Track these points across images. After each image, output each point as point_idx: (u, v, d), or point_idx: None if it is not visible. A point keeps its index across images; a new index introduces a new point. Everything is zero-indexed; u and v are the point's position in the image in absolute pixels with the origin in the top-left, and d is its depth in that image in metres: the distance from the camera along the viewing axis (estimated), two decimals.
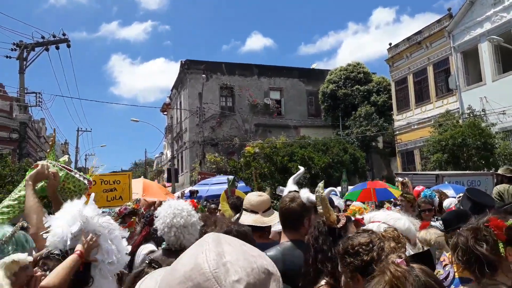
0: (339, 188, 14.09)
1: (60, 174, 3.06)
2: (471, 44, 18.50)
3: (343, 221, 2.03)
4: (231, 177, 12.69)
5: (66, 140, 41.66)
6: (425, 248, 2.30)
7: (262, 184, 13.14)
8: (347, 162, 19.41)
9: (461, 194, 6.66)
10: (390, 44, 23.57)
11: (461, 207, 3.56)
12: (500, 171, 6.62)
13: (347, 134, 24.13)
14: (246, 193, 9.33)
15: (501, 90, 16.55)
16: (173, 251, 2.65)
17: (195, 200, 10.86)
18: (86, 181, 3.30)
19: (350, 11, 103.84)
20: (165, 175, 30.05)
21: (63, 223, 1.90)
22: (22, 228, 2.05)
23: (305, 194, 2.43)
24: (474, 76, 18.59)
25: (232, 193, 6.26)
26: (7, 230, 2.02)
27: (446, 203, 5.58)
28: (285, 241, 2.40)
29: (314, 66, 33.50)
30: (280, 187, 4.01)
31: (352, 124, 24.27)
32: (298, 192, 2.60)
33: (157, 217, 2.88)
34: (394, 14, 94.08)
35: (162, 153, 43.35)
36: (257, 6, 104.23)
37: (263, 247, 2.63)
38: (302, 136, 22.67)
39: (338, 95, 25.66)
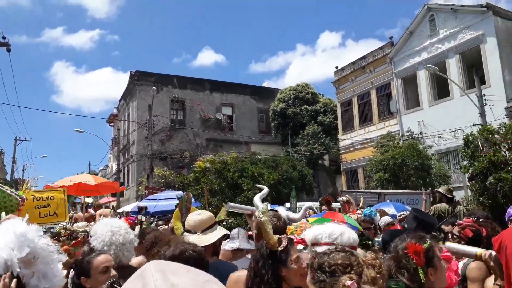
0: (288, 204, 14.36)
1: None
2: (410, 71, 19.94)
3: (284, 243, 1.98)
4: (180, 193, 12.50)
5: (1, 149, 38.74)
6: None
7: (211, 200, 13.07)
8: (296, 179, 19.85)
9: (402, 213, 7.11)
10: (336, 67, 24.75)
11: (405, 225, 3.81)
12: (441, 190, 7.04)
13: (295, 151, 24.76)
14: (197, 208, 9.24)
15: (436, 114, 17.93)
16: (115, 268, 2.66)
17: (140, 217, 10.58)
18: (18, 198, 3.15)
19: (299, 33, 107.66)
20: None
21: (7, 246, 1.76)
22: None
23: (284, 212, 2.56)
24: (413, 100, 19.98)
25: (188, 210, 6.15)
26: None
27: (381, 221, 5.92)
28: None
29: (265, 84, 34.21)
30: (230, 203, 4.01)
31: (300, 142, 24.97)
32: (276, 211, 2.72)
33: (91, 236, 2.91)
34: (340, 39, 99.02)
35: (107, 165, 41.60)
36: (210, 22, 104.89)
37: (217, 266, 2.66)
38: (253, 152, 22.92)
39: (288, 114, 26.36)
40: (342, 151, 23.84)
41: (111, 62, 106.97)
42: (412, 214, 3.86)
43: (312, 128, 24.72)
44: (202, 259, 2.34)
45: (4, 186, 3.23)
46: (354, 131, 23.01)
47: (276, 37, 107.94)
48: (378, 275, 1.54)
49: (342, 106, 24.21)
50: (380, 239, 4.30)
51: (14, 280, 1.70)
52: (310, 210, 7.86)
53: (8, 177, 33.17)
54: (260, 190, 4.18)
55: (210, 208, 9.34)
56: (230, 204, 3.85)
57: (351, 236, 2.00)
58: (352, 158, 22.89)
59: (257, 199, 3.23)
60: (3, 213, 3.46)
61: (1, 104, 35.64)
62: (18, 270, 1.74)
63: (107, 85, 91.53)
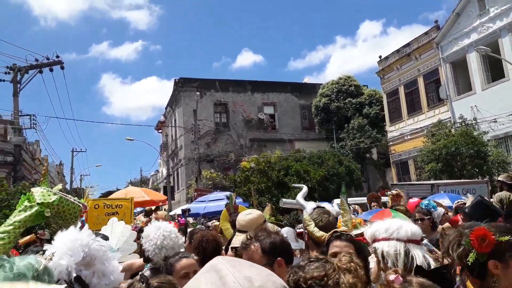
0: (337, 200, 14.12)
1: (54, 198, 3.10)
2: (460, 54, 18.88)
3: (327, 237, 2.10)
4: (227, 193, 12.70)
5: (61, 161, 41.47)
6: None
7: (261, 199, 13.15)
8: (343, 174, 19.46)
9: (458, 201, 6.73)
10: (380, 56, 23.95)
11: (466, 211, 3.64)
12: (500, 178, 6.71)
13: (341, 146, 24.28)
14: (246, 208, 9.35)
15: (490, 98, 16.84)
16: (160, 270, 2.80)
17: (186, 219, 10.91)
18: (81, 205, 3.35)
19: (338, 25, 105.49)
20: (161, 193, 29.90)
21: (65, 253, 1.91)
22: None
23: (331, 208, 2.58)
24: (464, 85, 18.91)
25: (235, 209, 6.22)
26: (34, 260, 2.02)
27: (438, 213, 5.62)
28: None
29: (306, 80, 33.89)
30: (283, 199, 4.03)
31: (346, 136, 24.45)
32: (322, 207, 2.74)
33: (143, 237, 3.05)
34: (381, 27, 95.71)
35: (157, 171, 43.18)
36: (246, 23, 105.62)
37: None
38: (297, 150, 22.74)
39: (331, 108, 25.91)
40: (390, 143, 23.05)
41: (155, 71, 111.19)
42: (478, 200, 3.68)
43: (357, 121, 24.12)
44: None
45: (67, 195, 3.44)
46: (403, 121, 22.17)
47: (313, 31, 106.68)
48: (356, 279, 1.46)
49: (388, 96, 23.40)
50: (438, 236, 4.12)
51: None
52: (357, 206, 7.68)
53: (68, 187, 35.41)
54: (300, 189, 4.16)
55: (259, 208, 9.40)
56: (284, 200, 3.90)
57: (409, 229, 1.95)
58: (401, 150, 22.07)
59: (300, 199, 3.23)
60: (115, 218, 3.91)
61: (58, 119, 38.07)
62: (75, 275, 1.90)
63: (152, 93, 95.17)
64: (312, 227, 2.54)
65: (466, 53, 18.46)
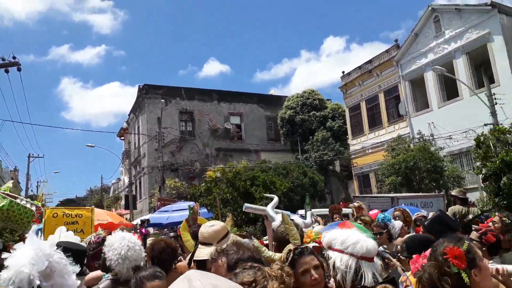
0: (302, 211, 14.31)
1: (4, 203, 2.98)
2: (418, 73, 19.86)
3: (289, 258, 2.08)
4: (192, 203, 12.55)
5: (15, 166, 39.37)
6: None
7: (223, 210, 13.09)
8: (307, 186, 19.79)
9: (417, 213, 7.03)
10: (343, 72, 24.75)
11: (426, 225, 3.79)
12: (454, 193, 7.03)
13: (306, 158, 24.71)
14: (208, 219, 9.27)
15: (446, 116, 17.80)
16: (121, 282, 2.81)
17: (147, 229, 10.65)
18: (34, 208, 3.23)
19: (303, 40, 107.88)
20: (123, 202, 29.04)
21: (27, 262, 1.86)
22: None
23: (298, 220, 2.57)
24: (422, 102, 19.87)
25: (194, 221, 6.18)
26: None
27: (395, 227, 5.84)
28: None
29: (271, 92, 34.36)
30: (246, 204, 4.04)
31: (310, 148, 24.92)
32: (292, 220, 2.73)
33: (106, 246, 3.00)
34: (344, 43, 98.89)
35: (119, 179, 41.94)
36: (213, 33, 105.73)
37: None
38: (263, 160, 22.93)
39: (296, 121, 26.38)
40: (353, 156, 23.73)
41: (118, 77, 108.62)
42: (437, 215, 3.85)
43: (321, 134, 24.68)
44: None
45: (19, 197, 3.31)
46: (364, 135, 22.91)
47: (280, 44, 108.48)
48: (282, 285, 1.57)
49: (350, 110, 24.16)
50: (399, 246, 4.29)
51: None
52: (319, 217, 7.81)
53: (23, 194, 33.64)
54: (271, 199, 4.21)
55: (223, 219, 9.37)
56: (246, 205, 3.88)
57: (365, 245, 1.94)
58: (363, 163, 22.77)
59: (269, 209, 3.27)
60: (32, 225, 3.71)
61: (13, 123, 36.27)
62: (38, 283, 1.84)
63: (115, 99, 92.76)
64: (268, 253, 2.42)
65: (424, 72, 19.44)
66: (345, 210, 10.12)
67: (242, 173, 17.49)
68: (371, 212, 6.94)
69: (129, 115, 33.45)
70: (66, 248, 2.66)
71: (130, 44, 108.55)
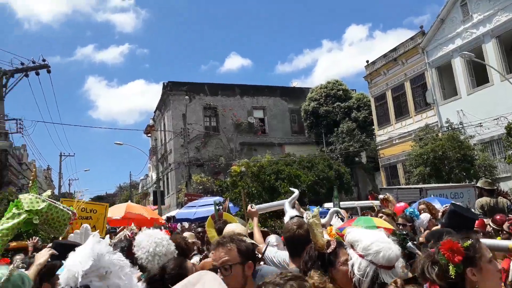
0: (328, 204, 14.27)
1: (43, 206, 3.11)
2: (445, 59, 19.24)
3: (332, 246, 2.05)
4: (217, 198, 12.70)
5: (48, 165, 40.92)
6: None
7: (251, 204, 13.18)
8: (333, 178, 19.63)
9: (446, 206, 6.89)
10: (367, 61, 24.26)
11: (443, 221, 3.73)
12: (479, 184, 6.84)
13: (331, 150, 24.48)
14: (235, 214, 9.34)
15: (476, 103, 17.19)
16: (156, 279, 2.83)
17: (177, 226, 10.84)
18: (70, 212, 3.37)
19: (324, 29, 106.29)
20: (151, 198, 29.78)
21: (77, 261, 1.95)
22: (18, 267, 2.06)
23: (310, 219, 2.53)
24: (450, 90, 19.27)
25: (220, 217, 6.26)
26: (2, 272, 2.02)
27: (420, 219, 5.74)
28: (294, 267, 2.48)
29: (294, 84, 34.13)
30: (256, 206, 4.03)
31: (335, 140, 24.66)
32: (301, 217, 2.72)
33: (135, 246, 3.06)
34: (367, 31, 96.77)
35: (147, 175, 42.87)
36: (233, 27, 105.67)
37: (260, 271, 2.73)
38: (287, 154, 22.88)
39: (320, 112, 26.13)
40: (379, 147, 23.32)
41: (142, 75, 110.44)
42: (451, 209, 3.77)
43: (346, 125, 24.36)
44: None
45: (56, 202, 3.47)
46: (391, 125, 22.46)
47: (300, 35, 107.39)
48: None
49: (376, 100, 23.70)
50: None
51: None
52: (345, 213, 7.76)
53: (56, 191, 34.95)
54: (292, 193, 4.19)
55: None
56: (257, 206, 3.86)
57: (387, 255, 1.91)
58: (390, 154, 22.35)
59: (287, 205, 3.27)
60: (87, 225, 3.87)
61: (45, 123, 37.58)
62: (86, 282, 1.92)
63: (140, 97, 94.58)
64: (318, 233, 2.49)
65: (451, 58, 18.82)
66: (375, 202, 9.98)
67: (267, 167, 17.55)
68: (397, 205, 6.85)
69: (154, 112, 34.06)
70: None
71: (153, 42, 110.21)
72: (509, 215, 4.70)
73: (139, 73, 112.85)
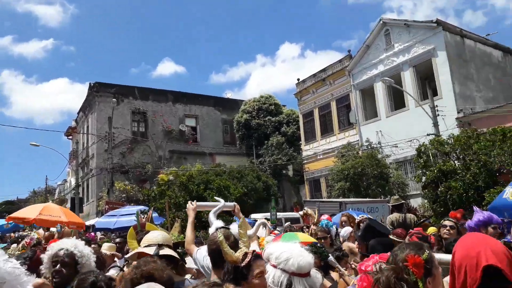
0: (255, 215, 14.39)
1: None
2: (368, 83, 20.68)
3: (246, 260, 2.07)
4: (142, 207, 12.20)
5: None
6: None
7: (175, 215, 12.86)
8: (260, 190, 19.94)
9: (361, 216, 7.31)
10: (298, 79, 25.29)
11: (358, 234, 3.94)
12: (390, 203, 7.36)
13: (260, 162, 24.90)
14: (159, 224, 9.03)
15: (393, 125, 18.67)
16: None
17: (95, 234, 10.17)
18: None
19: (259, 44, 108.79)
20: (69, 205, 27.72)
21: None
22: None
23: (236, 229, 2.51)
24: (371, 112, 20.71)
25: (142, 227, 5.99)
26: None
27: (342, 232, 6.08)
28: (215, 278, 2.43)
29: (228, 95, 34.36)
30: (198, 202, 3.92)
31: (265, 152, 25.16)
32: (227, 228, 2.68)
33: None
34: (299, 50, 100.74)
35: (65, 180, 39.93)
36: (169, 32, 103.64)
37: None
38: (217, 164, 22.82)
39: (252, 125, 26.55)
40: (305, 161, 24.23)
41: (66, 73, 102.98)
42: (367, 224, 4.01)
43: (276, 139, 25.00)
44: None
45: None
46: (316, 141, 23.49)
47: (236, 48, 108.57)
48: None
49: (304, 117, 24.69)
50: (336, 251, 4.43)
51: None
52: (269, 226, 7.90)
53: None
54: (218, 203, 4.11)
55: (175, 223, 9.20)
56: (198, 203, 3.76)
57: (296, 261, 1.96)
58: (314, 168, 23.32)
59: (211, 215, 3.22)
60: None
61: None
62: None
63: (62, 96, 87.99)
64: (228, 249, 2.52)
65: (374, 82, 20.28)
66: (296, 215, 10.29)
67: (196, 176, 17.32)
68: (322, 217, 7.14)
69: (78, 113, 32.04)
70: None
71: (80, 39, 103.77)
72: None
73: (62, 71, 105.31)
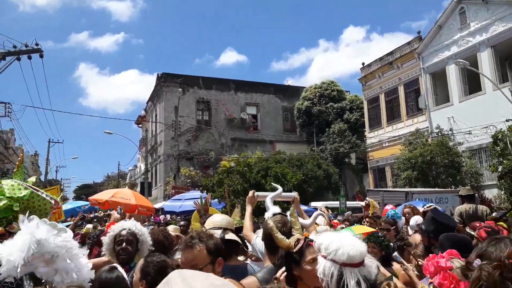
0: (315, 203, 14.24)
1: (25, 193, 3.03)
2: (440, 66, 19.30)
3: (299, 246, 2.06)
4: (204, 194, 12.59)
5: (36, 151, 40.43)
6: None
7: (234, 201, 13.11)
8: (321, 178, 19.65)
9: (428, 205, 6.88)
10: (363, 63, 24.27)
11: (423, 227, 3.69)
12: (461, 193, 6.86)
13: (321, 150, 24.51)
14: (220, 210, 9.25)
15: (467, 110, 17.29)
16: None
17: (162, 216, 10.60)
18: (52, 201, 3.28)
19: (321, 29, 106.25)
20: (138, 189, 29.52)
21: (15, 250, 1.84)
22: None
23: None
24: (442, 96, 19.35)
25: (206, 212, 6.19)
26: None
27: (412, 221, 5.75)
28: (269, 264, 2.47)
29: (289, 82, 34.09)
30: (257, 193, 3.93)
31: (326, 140, 24.69)
32: (285, 215, 2.66)
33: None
34: (365, 33, 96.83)
35: (135, 166, 42.60)
36: (231, 22, 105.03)
37: (233, 270, 2.69)
38: (277, 151, 22.84)
39: (313, 112, 26.13)
40: (369, 149, 23.38)
41: (136, 64, 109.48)
42: (430, 216, 3.73)
43: (338, 126, 24.39)
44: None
45: (40, 190, 3.38)
46: (382, 128, 22.53)
47: (297, 34, 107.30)
48: None
49: (369, 103, 23.74)
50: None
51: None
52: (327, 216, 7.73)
53: (42, 178, 34.56)
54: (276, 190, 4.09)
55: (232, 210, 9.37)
56: (257, 193, 3.77)
57: (346, 251, 1.85)
58: (379, 156, 22.42)
59: (268, 200, 3.19)
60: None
61: (35, 108, 37.09)
62: (30, 270, 1.83)
63: (132, 87, 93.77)
64: (279, 234, 2.48)
65: (446, 65, 18.88)
66: (359, 204, 9.97)
67: (255, 164, 17.46)
68: (386, 207, 6.85)
69: (147, 103, 33.80)
70: None
71: (148, 32, 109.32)
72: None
73: (133, 63, 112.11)
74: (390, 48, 22.54)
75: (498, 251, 1.67)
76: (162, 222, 11.02)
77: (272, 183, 4.95)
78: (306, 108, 26.42)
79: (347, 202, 16.86)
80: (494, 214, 5.64)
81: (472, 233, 4.29)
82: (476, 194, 8.47)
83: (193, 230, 3.58)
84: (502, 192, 11.14)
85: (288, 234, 2.33)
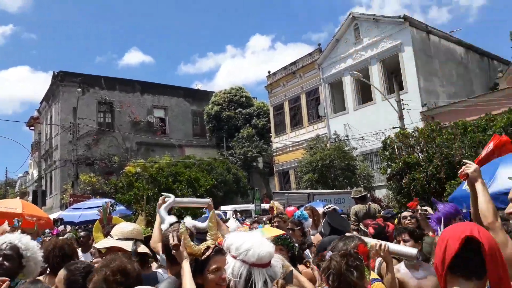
0: (225, 207, 14.34)
1: None
2: (337, 77, 20.99)
3: (206, 253, 2.05)
4: (106, 200, 11.87)
5: None
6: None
7: (145, 207, 12.60)
8: (230, 182, 19.92)
9: (328, 206, 7.43)
10: (269, 71, 25.31)
11: (322, 230, 4.00)
12: (352, 195, 7.54)
13: (230, 154, 24.84)
14: (126, 217, 8.79)
15: (360, 118, 19.07)
16: None
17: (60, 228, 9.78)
18: None
19: (229, 35, 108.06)
20: (30, 198, 26.67)
21: None
22: None
23: (191, 222, 2.43)
24: (339, 105, 21.05)
25: (109, 221, 5.82)
26: None
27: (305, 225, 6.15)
28: (171, 275, 2.41)
29: (198, 86, 33.98)
30: (176, 198, 3.77)
31: (235, 145, 25.12)
32: (181, 222, 2.62)
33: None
34: (270, 42, 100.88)
35: (27, 172, 38.40)
36: (136, 20, 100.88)
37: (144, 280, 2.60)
38: (187, 156, 22.55)
39: (222, 117, 26.40)
40: (275, 154, 24.39)
41: (27, 61, 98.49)
42: (326, 220, 4.06)
43: (246, 131, 24.99)
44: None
45: None
46: (286, 134, 23.67)
47: (205, 38, 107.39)
48: None
49: (274, 109, 24.79)
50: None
51: None
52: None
53: None
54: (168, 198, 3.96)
55: (139, 216, 8.99)
56: (177, 199, 3.58)
57: (256, 253, 1.92)
58: (284, 160, 23.51)
59: (162, 211, 3.12)
60: None
61: None
62: None
63: (23, 85, 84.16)
64: (189, 241, 2.45)
65: (342, 76, 20.60)
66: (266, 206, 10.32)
67: (165, 168, 17.04)
68: (288, 209, 7.19)
69: (40, 103, 30.78)
70: None
71: (43, 26, 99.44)
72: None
73: (23, 59, 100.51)
74: (293, 57, 23.88)
75: (346, 246, 1.93)
76: (60, 232, 10.11)
77: (185, 190, 4.90)
78: (216, 113, 26.59)
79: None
80: (383, 212, 6.34)
81: (365, 229, 4.78)
82: (368, 194, 9.38)
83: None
84: (390, 192, 12.52)
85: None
